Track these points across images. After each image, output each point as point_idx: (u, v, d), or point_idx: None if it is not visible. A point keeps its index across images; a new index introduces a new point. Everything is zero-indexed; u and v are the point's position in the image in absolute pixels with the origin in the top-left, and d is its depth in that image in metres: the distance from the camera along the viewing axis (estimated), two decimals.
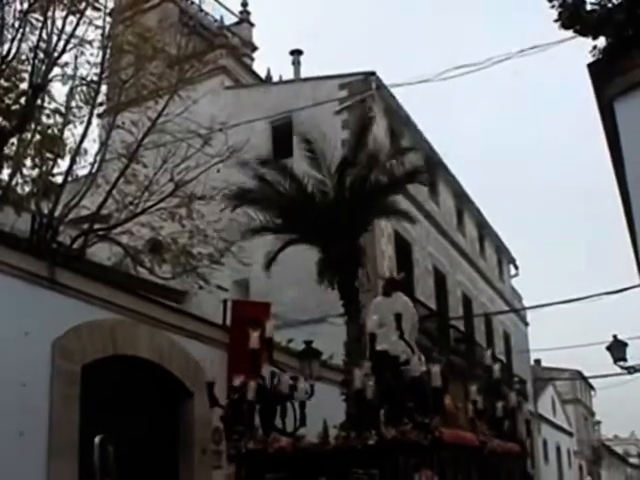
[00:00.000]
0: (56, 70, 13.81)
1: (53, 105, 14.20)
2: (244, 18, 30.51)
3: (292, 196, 13.07)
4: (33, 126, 13.75)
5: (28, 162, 13.96)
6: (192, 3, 28.59)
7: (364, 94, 21.94)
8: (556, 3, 9.59)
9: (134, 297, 11.80)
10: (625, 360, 20.74)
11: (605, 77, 9.17)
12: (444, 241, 27.65)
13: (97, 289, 10.83)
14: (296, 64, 27.24)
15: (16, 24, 13.39)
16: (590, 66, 9.36)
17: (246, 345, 9.36)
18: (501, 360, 27.53)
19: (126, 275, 15.31)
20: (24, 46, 13.53)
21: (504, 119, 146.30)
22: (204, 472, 12.27)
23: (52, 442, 9.52)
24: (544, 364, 44.54)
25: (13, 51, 13.36)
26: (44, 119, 14.03)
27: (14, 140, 13.69)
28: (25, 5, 13.47)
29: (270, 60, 51.87)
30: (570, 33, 9.87)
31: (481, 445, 9.07)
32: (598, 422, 63.35)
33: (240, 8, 30.52)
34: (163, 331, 11.98)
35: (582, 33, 9.59)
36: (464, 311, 28.74)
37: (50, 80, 13.74)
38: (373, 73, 22.14)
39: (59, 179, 14.10)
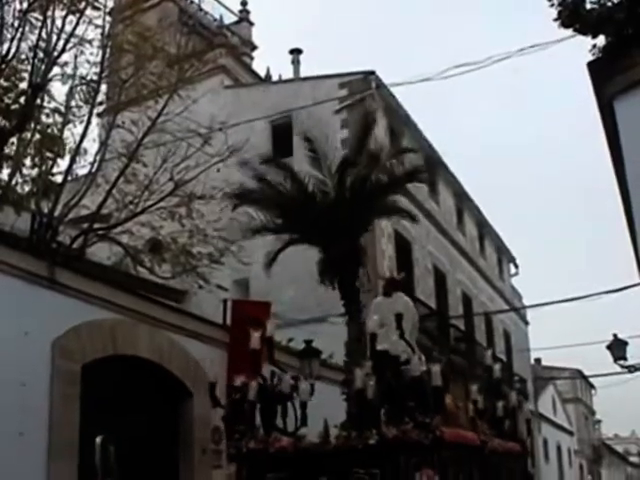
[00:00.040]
0: (56, 69, 13.83)
1: (53, 104, 14.22)
2: (243, 17, 30.49)
3: (293, 196, 13.04)
4: (33, 125, 13.75)
5: (28, 162, 13.97)
6: (192, 2, 28.56)
7: (364, 93, 21.92)
8: (555, 2, 9.58)
9: (134, 297, 11.80)
10: (625, 359, 20.73)
11: (605, 75, 9.15)
12: (444, 240, 27.63)
13: (97, 289, 10.83)
14: (295, 63, 27.23)
15: (16, 23, 13.40)
16: (590, 65, 9.35)
17: (246, 345, 9.35)
18: (501, 359, 27.51)
19: (126, 275, 15.31)
20: (24, 45, 13.55)
21: (504, 118, 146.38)
22: (204, 471, 12.28)
23: (52, 442, 9.53)
24: (544, 363, 44.55)
25: (13, 50, 13.36)
26: (44, 118, 14.04)
27: (14, 140, 13.69)
28: (25, 4, 13.47)
29: (270, 59, 52.04)
30: (570, 32, 9.86)
31: (482, 444, 9.07)
32: (598, 421, 63.39)
33: (239, 7, 30.54)
34: (163, 331, 11.98)
35: (582, 32, 9.57)
36: (464, 310, 28.73)
37: (50, 79, 13.74)
38: (373, 72, 22.11)
39: (59, 178, 14.11)
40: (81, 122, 14.26)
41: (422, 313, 17.37)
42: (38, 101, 13.62)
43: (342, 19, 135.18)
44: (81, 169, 14.60)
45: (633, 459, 76.94)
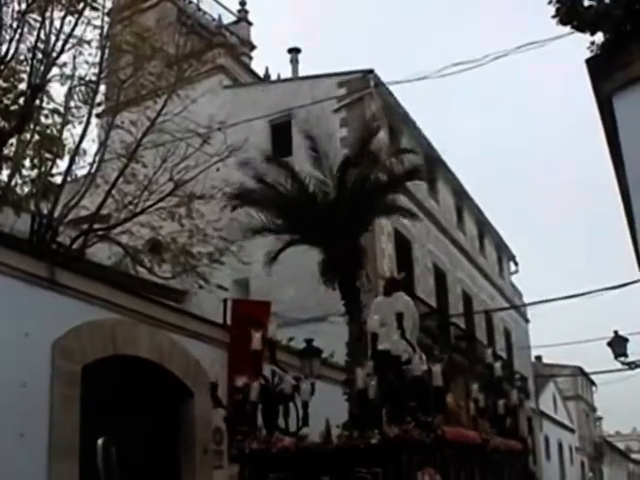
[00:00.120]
0: (55, 70, 13.83)
1: (52, 105, 14.23)
2: (242, 17, 30.49)
3: (293, 196, 13.04)
4: (32, 126, 13.75)
5: (27, 162, 13.99)
6: (190, 2, 28.56)
7: (363, 92, 21.93)
8: None
9: (134, 297, 11.79)
10: (626, 356, 20.69)
11: (603, 72, 9.14)
12: (444, 239, 27.62)
13: (97, 289, 10.83)
14: (294, 62, 27.25)
15: (14, 24, 13.40)
16: (588, 61, 9.34)
17: (247, 345, 9.36)
18: (502, 357, 27.49)
19: (126, 275, 15.31)
20: (22, 46, 13.56)
21: (503, 116, 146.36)
22: (205, 472, 12.28)
23: (53, 443, 9.52)
24: (545, 361, 44.50)
25: (11, 51, 13.37)
26: (43, 119, 14.04)
27: (13, 141, 13.69)
28: (23, 5, 13.48)
29: (268, 59, 51.99)
30: (568, 29, 9.85)
31: (483, 443, 9.08)
32: (600, 418, 63.42)
33: (238, 7, 30.54)
34: (163, 331, 11.98)
35: (580, 29, 9.56)
36: (464, 308, 28.73)
37: (49, 80, 13.73)
38: (371, 71, 22.11)
39: (58, 179, 14.12)
40: (80, 123, 14.30)
41: (422, 312, 17.36)
42: (37, 102, 13.62)
43: (340, 18, 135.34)
44: (80, 170, 14.64)
45: (635, 456, 76.96)
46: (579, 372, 50.06)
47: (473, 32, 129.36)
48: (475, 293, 30.51)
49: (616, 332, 20.80)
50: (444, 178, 28.35)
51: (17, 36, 13.35)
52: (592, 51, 9.53)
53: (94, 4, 14.24)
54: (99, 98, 14.91)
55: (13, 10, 13.47)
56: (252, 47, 30.54)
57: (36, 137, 13.88)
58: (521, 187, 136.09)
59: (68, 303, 10.28)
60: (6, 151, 13.71)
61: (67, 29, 13.66)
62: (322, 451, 8.45)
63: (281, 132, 22.25)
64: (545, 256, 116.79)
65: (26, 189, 14.01)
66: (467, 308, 29.06)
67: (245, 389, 8.82)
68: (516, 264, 37.62)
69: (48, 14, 13.45)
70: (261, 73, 27.88)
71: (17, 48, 13.42)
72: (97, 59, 14.34)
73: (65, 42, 13.67)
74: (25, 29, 13.48)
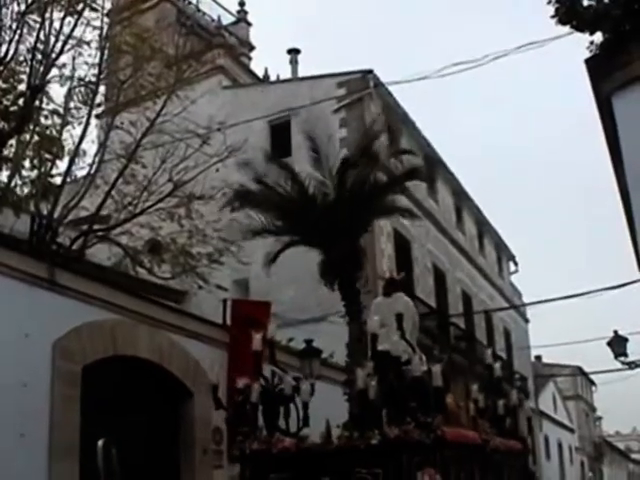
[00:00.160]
0: (54, 71, 13.85)
1: (51, 106, 14.22)
2: (241, 17, 30.49)
3: (293, 198, 13.04)
4: (32, 127, 13.76)
5: (27, 163, 13.99)
6: (189, 3, 28.56)
7: (362, 92, 21.94)
8: None
9: (134, 297, 11.80)
10: (626, 355, 20.70)
11: (603, 72, 9.15)
12: (443, 239, 27.63)
13: (97, 290, 10.83)
14: (293, 63, 27.24)
15: (14, 25, 13.41)
16: (587, 61, 9.34)
17: (247, 345, 9.37)
18: (502, 357, 27.51)
19: (126, 275, 15.31)
20: (22, 47, 13.57)
21: (503, 116, 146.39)
22: (205, 472, 12.28)
23: (53, 443, 9.52)
24: (545, 360, 44.50)
25: (11, 52, 13.38)
26: (42, 120, 14.04)
27: (13, 141, 13.70)
28: (23, 6, 13.48)
29: (268, 59, 52.01)
30: (567, 29, 9.85)
31: (483, 443, 9.08)
32: (599, 418, 63.39)
33: (237, 8, 30.55)
34: (163, 331, 11.98)
35: (579, 28, 9.56)
36: (464, 308, 28.73)
37: (48, 81, 13.74)
38: (371, 71, 22.12)
39: (58, 180, 14.12)
40: (80, 123, 14.31)
41: (422, 312, 17.37)
42: (37, 103, 13.62)
43: (340, 19, 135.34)
44: (80, 170, 14.64)
45: (635, 456, 76.93)
46: (579, 372, 50.07)
47: (473, 32, 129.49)
48: (475, 293, 30.51)
49: (616, 332, 20.81)
50: (443, 178, 28.35)
51: (17, 37, 13.37)
52: (591, 51, 9.53)
53: (93, 5, 14.26)
54: (99, 99, 14.93)
55: (12, 11, 13.50)
56: (251, 48, 30.55)
57: (36, 138, 13.88)
58: (521, 187, 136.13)
59: (68, 304, 10.28)
60: (6, 152, 13.71)
61: (66, 30, 13.70)
62: (322, 451, 8.46)
63: (280, 133, 22.26)
64: (545, 256, 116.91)
65: (26, 190, 14.02)
66: (467, 308, 29.06)
67: (246, 390, 8.83)
68: (516, 264, 37.66)
69: (47, 15, 13.46)
70: (260, 74, 27.91)
71: (17, 49, 13.44)
72: (96, 60, 14.36)
73: (64, 43, 13.68)
74: (25, 30, 13.50)
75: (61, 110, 14.17)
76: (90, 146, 14.80)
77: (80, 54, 14.17)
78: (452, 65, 17.06)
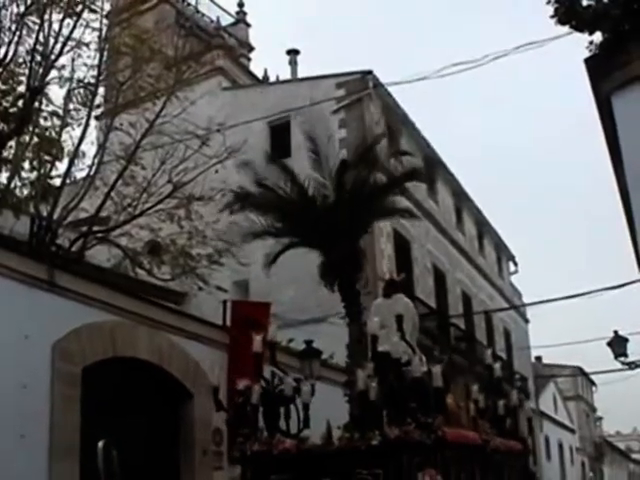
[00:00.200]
0: (53, 73, 13.86)
1: (51, 108, 14.24)
2: (240, 19, 30.49)
3: (293, 200, 13.03)
4: (31, 129, 13.76)
5: (26, 165, 14.00)
6: (188, 4, 28.54)
7: (361, 93, 21.94)
8: None
9: (133, 299, 11.79)
10: (626, 355, 20.69)
11: (602, 72, 9.14)
12: (443, 239, 27.62)
13: (96, 291, 10.83)
14: (293, 64, 27.24)
15: (13, 27, 13.42)
16: (587, 61, 9.34)
17: (247, 347, 9.36)
18: (502, 358, 27.50)
19: (125, 277, 15.31)
20: (21, 49, 13.58)
21: (503, 116, 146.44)
22: (205, 473, 12.27)
23: (53, 444, 9.53)
24: (545, 361, 44.50)
25: (10, 54, 13.38)
26: (42, 122, 14.04)
27: (12, 143, 13.70)
28: (22, 8, 13.48)
29: (267, 60, 52.02)
30: (566, 29, 9.85)
31: (483, 443, 9.08)
32: (600, 418, 63.37)
33: (236, 9, 30.55)
34: (163, 332, 11.97)
35: (578, 28, 9.56)
36: (464, 309, 28.73)
37: (47, 83, 13.74)
38: (370, 72, 22.13)
39: (57, 182, 14.13)
40: (79, 125, 14.31)
41: (422, 312, 17.39)
42: (36, 104, 13.62)
43: (339, 19, 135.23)
44: (79, 172, 14.65)
45: (635, 456, 76.82)
46: (579, 372, 50.04)
47: (473, 32, 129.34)
48: (474, 293, 30.50)
49: (616, 332, 20.80)
50: (443, 179, 28.35)
51: (16, 39, 13.37)
52: (591, 51, 9.52)
53: (92, 6, 14.26)
54: (98, 100, 14.92)
55: (12, 13, 13.51)
56: (251, 49, 30.56)
57: (35, 139, 13.89)
58: (521, 187, 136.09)
59: (68, 305, 10.28)
60: (5, 153, 13.72)
61: (66, 31, 13.70)
62: (323, 453, 8.46)
63: (280, 133, 22.27)
64: (545, 256, 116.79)
65: (25, 191, 14.02)
66: (467, 309, 29.06)
67: (246, 391, 8.83)
68: (515, 264, 37.65)
69: (47, 17, 13.46)
70: (260, 75, 27.92)
71: (16, 51, 13.45)
72: (96, 61, 14.36)
73: (64, 44, 13.68)
74: (24, 32, 13.51)
75: (60, 112, 14.18)
76: (89, 147, 14.83)
77: (79, 55, 14.20)
78: (452, 65, 17.11)
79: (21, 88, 13.74)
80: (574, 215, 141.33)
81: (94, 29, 14.34)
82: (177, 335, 12.22)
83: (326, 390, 10.66)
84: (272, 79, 27.21)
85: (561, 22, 9.60)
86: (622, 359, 20.75)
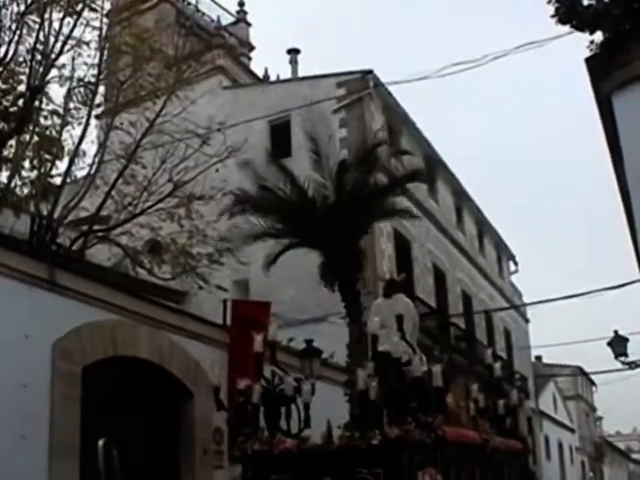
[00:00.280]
0: (54, 72, 13.85)
1: (51, 107, 14.23)
2: (241, 18, 30.49)
3: (293, 201, 13.03)
4: (31, 128, 13.76)
5: (27, 164, 13.99)
6: (189, 4, 28.54)
7: (362, 92, 21.95)
8: None
9: (134, 298, 11.79)
10: (626, 355, 20.70)
11: (603, 71, 9.14)
12: (443, 239, 27.63)
13: (97, 290, 10.82)
14: (293, 63, 27.25)
15: (13, 26, 13.41)
16: (587, 61, 9.33)
17: (248, 346, 9.37)
18: (502, 357, 27.50)
19: (126, 276, 15.30)
20: (21, 48, 13.58)
21: (503, 116, 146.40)
22: (206, 472, 12.27)
23: (53, 443, 9.52)
24: (545, 360, 44.50)
25: (10, 53, 13.38)
26: (42, 121, 14.04)
27: (12, 142, 13.70)
28: (22, 7, 13.48)
29: (267, 59, 51.97)
30: (567, 28, 9.85)
31: (483, 443, 9.08)
32: (600, 418, 63.37)
33: (237, 8, 30.56)
34: (163, 332, 11.97)
35: (579, 28, 9.56)
36: (464, 308, 28.73)
37: (48, 82, 13.74)
38: (370, 71, 22.14)
39: (58, 181, 14.12)
40: (79, 124, 14.31)
41: (422, 312, 17.38)
42: (36, 103, 13.62)
43: (340, 18, 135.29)
44: (80, 171, 14.65)
45: (635, 456, 76.82)
46: (579, 372, 50.06)
47: (473, 32, 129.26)
48: (475, 293, 30.51)
49: (616, 332, 20.81)
50: (444, 178, 28.36)
51: (16, 38, 13.37)
52: (591, 50, 9.52)
53: (93, 5, 14.26)
54: (98, 99, 14.93)
55: (12, 12, 13.51)
56: (251, 48, 30.55)
57: (35, 138, 13.89)
58: (521, 187, 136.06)
59: (68, 304, 10.28)
60: (6, 152, 13.72)
61: (66, 30, 13.70)
62: (324, 452, 8.47)
63: (280, 133, 22.27)
64: (545, 256, 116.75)
65: (26, 190, 14.02)
66: (467, 308, 29.06)
67: (247, 391, 8.84)
68: (516, 264, 37.65)
69: (47, 15, 13.46)
70: (260, 74, 27.92)
71: (16, 50, 13.44)
72: (96, 60, 14.36)
73: (64, 43, 13.68)
74: (24, 31, 13.51)
75: (61, 111, 14.18)
76: (90, 146, 14.84)
77: (79, 54, 14.19)
78: (452, 65, 17.08)
79: (21, 87, 13.75)
80: (574, 215, 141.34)
81: (94, 28, 14.36)
82: (177, 334, 12.22)
83: (326, 390, 10.66)
84: (272, 78, 27.22)
85: (562, 22, 9.60)
86: (622, 359, 20.77)
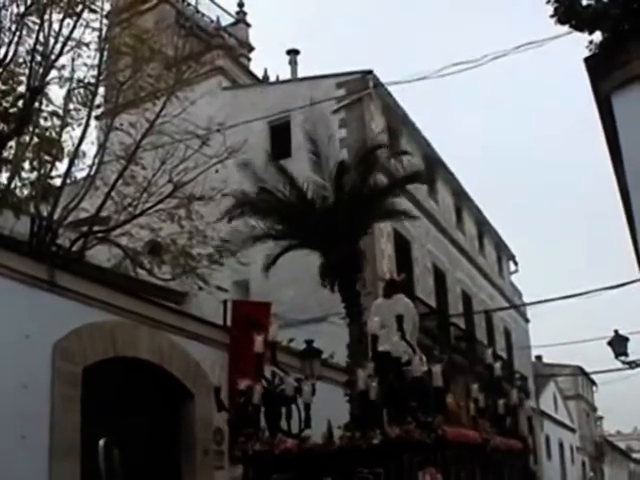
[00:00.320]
0: (53, 73, 13.87)
1: (51, 108, 14.25)
2: (240, 18, 30.50)
3: (292, 203, 13.03)
4: (31, 129, 13.77)
5: (26, 165, 14.01)
6: (188, 4, 28.54)
7: (361, 93, 21.95)
8: None
9: (134, 299, 11.80)
10: (626, 355, 20.69)
11: (602, 71, 9.15)
12: (443, 239, 27.63)
13: (97, 291, 10.83)
14: (293, 64, 27.23)
15: (13, 27, 13.42)
16: (587, 61, 9.34)
17: (248, 347, 9.37)
18: (502, 357, 27.51)
19: (126, 277, 15.31)
20: (21, 49, 13.59)
21: (503, 116, 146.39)
22: (206, 472, 12.28)
23: (54, 444, 9.53)
24: (545, 360, 44.49)
25: (10, 54, 13.38)
26: (42, 122, 14.05)
27: (12, 143, 13.71)
28: (22, 8, 13.49)
29: (267, 60, 52.01)
30: (566, 28, 9.86)
31: (484, 443, 9.08)
32: (600, 418, 63.36)
33: (236, 8, 30.55)
34: (163, 332, 11.98)
35: (578, 28, 9.56)
36: (464, 308, 28.72)
37: (47, 83, 13.75)
38: (370, 72, 22.13)
39: (58, 182, 14.14)
40: (79, 125, 14.32)
41: (422, 312, 17.37)
42: (36, 104, 13.62)
43: (339, 19, 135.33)
44: (80, 172, 14.66)
45: (636, 455, 76.81)
46: (579, 372, 50.06)
47: (473, 32, 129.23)
48: (475, 293, 30.51)
49: (616, 331, 20.80)
50: (443, 178, 28.35)
51: (16, 39, 13.38)
52: (591, 50, 9.53)
53: (92, 6, 14.26)
54: (98, 100, 14.93)
55: (12, 13, 13.52)
56: (251, 48, 30.56)
57: (35, 139, 13.89)
58: (521, 187, 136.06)
59: (68, 305, 10.29)
60: (5, 154, 13.72)
61: (66, 31, 13.71)
62: (324, 452, 8.47)
63: (280, 133, 22.27)
64: (545, 256, 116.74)
65: (26, 191, 14.03)
66: (467, 308, 29.06)
67: (248, 391, 8.84)
68: (516, 264, 37.65)
69: (47, 17, 13.47)
70: (260, 74, 27.93)
71: (16, 51, 13.46)
72: (96, 61, 14.37)
73: (64, 44, 13.69)
74: (24, 32, 13.51)
75: (60, 112, 14.19)
76: (90, 147, 14.85)
77: (79, 55, 14.20)
78: (452, 65, 17.11)
79: (21, 88, 13.76)
80: (574, 214, 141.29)
81: (94, 29, 14.36)
82: (178, 335, 12.22)
83: (327, 390, 10.66)
84: (272, 79, 27.21)
85: (561, 22, 9.61)
86: (622, 358, 20.76)
